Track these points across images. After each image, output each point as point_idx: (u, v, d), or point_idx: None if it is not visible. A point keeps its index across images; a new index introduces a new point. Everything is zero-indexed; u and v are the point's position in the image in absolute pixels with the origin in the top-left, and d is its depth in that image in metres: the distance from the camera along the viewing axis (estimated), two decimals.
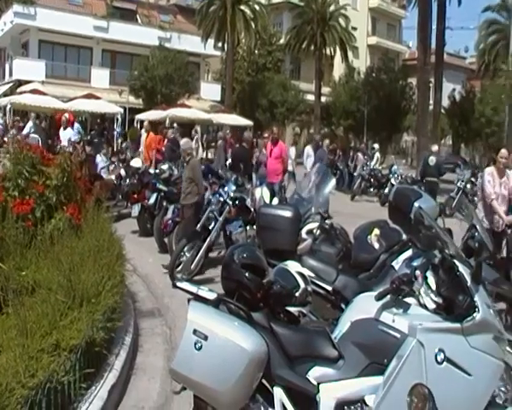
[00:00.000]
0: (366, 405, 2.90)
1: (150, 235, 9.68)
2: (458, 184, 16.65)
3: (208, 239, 7.41)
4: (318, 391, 2.93)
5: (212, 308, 3.01)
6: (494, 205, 7.02)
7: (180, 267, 7.33)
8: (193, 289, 3.15)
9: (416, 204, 4.68)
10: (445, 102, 37.76)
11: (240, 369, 2.80)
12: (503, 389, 3.96)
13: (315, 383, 2.96)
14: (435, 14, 27.74)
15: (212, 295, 3.09)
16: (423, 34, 24.89)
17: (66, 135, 11.99)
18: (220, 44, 36.32)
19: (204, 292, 3.12)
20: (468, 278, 2.96)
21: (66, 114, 13.19)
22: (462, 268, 3.00)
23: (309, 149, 16.05)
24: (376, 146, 22.02)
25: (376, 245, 5.23)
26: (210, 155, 24.81)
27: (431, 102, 28.97)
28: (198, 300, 3.10)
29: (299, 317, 3.35)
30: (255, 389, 2.94)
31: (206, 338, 2.85)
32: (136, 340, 5.37)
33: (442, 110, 33.72)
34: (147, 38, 34.37)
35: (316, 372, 2.99)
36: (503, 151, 7.23)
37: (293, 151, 17.75)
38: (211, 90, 38.81)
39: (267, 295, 3.20)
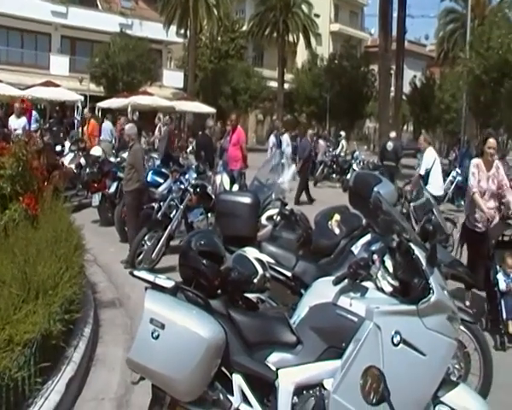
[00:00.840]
0: (324, 388, 2.91)
1: (111, 224, 9.53)
2: (418, 170, 16.99)
3: (169, 227, 7.35)
4: (277, 377, 2.93)
5: (169, 297, 2.97)
6: (476, 199, 6.21)
7: (141, 257, 7.25)
8: (150, 277, 3.10)
9: (376, 189, 4.73)
10: (407, 89, 38.33)
11: (197, 357, 2.77)
12: (457, 366, 4.09)
13: (274, 368, 2.96)
14: (396, 1, 28.05)
15: (169, 284, 3.05)
16: (384, 21, 25.19)
17: (21, 123, 11.64)
18: (182, 31, 35.93)
19: (161, 280, 3.07)
20: (424, 261, 3.00)
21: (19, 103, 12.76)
22: (417, 251, 3.03)
23: (287, 138, 16.35)
24: (343, 133, 22.30)
25: (337, 230, 5.26)
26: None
27: (392, 88, 29.36)
28: (155, 288, 3.06)
29: (258, 303, 3.34)
30: (214, 376, 2.92)
31: (163, 327, 2.81)
32: (96, 331, 5.29)
33: (403, 97, 34.22)
34: (107, 25, 33.68)
35: (274, 358, 2.99)
36: (491, 141, 6.26)
37: (271, 140, 17.89)
38: (173, 78, 38.41)
39: (225, 282, 3.18)
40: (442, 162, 18.31)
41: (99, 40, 32.63)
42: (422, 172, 9.59)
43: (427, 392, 2.95)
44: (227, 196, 5.22)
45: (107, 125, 16.29)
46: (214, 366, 2.88)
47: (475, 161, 6.48)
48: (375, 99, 34.23)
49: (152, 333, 2.81)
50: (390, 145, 15.70)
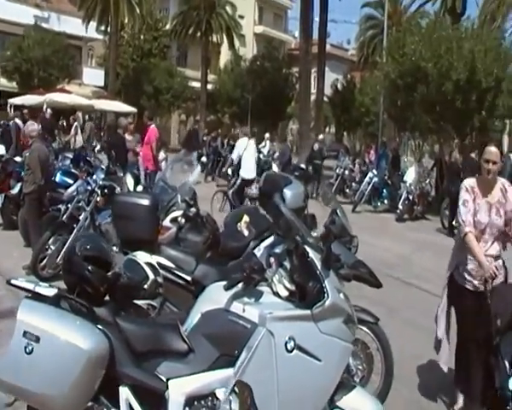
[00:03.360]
0: (217, 398, 2.79)
1: (16, 227, 8.98)
2: (337, 171, 17.67)
3: (75, 231, 6.99)
4: (167, 388, 2.78)
5: (47, 306, 2.74)
6: (469, 243, 3.99)
7: (44, 262, 6.85)
8: (29, 286, 2.86)
9: (285, 190, 4.67)
10: (330, 92, 39.20)
11: (76, 370, 2.58)
12: (360, 367, 4.08)
13: (164, 379, 2.80)
14: (318, 5, 28.61)
15: (50, 292, 2.82)
16: (305, 24, 25.60)
17: None
18: (103, 28, 34.85)
19: (42, 288, 2.84)
20: (319, 264, 2.94)
21: None
22: (312, 254, 2.98)
23: (269, 144, 17.71)
24: (267, 135, 22.66)
25: (246, 232, 5.15)
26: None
27: (315, 90, 29.87)
28: (35, 297, 2.82)
29: (149, 310, 3.17)
30: (98, 389, 2.73)
31: (37, 340, 2.59)
32: None
33: (326, 99, 34.91)
34: (20, 16, 31.87)
35: (165, 368, 2.83)
36: (492, 149, 4.03)
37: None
38: (94, 76, 37.21)
39: (113, 288, 2.98)
40: (360, 163, 19.01)
41: (12, 32, 31.00)
42: (234, 157, 11.85)
43: (323, 397, 2.91)
44: (124, 197, 5.00)
45: None
46: (97, 379, 2.69)
47: (468, 182, 4.22)
48: (297, 101, 34.70)
49: (25, 348, 2.59)
50: (316, 146, 18.18)
